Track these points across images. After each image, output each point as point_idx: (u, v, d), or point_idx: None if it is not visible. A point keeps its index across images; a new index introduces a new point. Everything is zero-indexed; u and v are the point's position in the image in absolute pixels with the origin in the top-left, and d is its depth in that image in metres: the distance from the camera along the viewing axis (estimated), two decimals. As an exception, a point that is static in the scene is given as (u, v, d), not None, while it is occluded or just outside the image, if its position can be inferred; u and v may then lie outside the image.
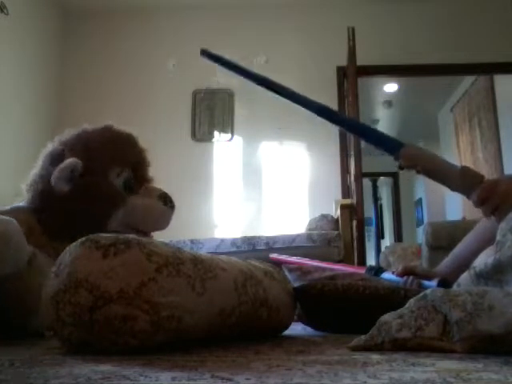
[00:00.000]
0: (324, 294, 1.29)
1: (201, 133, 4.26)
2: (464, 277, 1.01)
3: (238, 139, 4.24)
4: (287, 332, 1.22)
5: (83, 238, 0.85)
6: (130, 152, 1.43)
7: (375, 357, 0.75)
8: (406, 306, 0.88)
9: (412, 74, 4.61)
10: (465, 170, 1.07)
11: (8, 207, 1.30)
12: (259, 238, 3.08)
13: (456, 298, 0.83)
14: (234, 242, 3.06)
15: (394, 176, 7.97)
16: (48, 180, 1.25)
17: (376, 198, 7.97)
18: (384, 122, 6.76)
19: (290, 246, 2.97)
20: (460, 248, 1.35)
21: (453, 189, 1.10)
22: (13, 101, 3.67)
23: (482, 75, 4.81)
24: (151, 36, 4.39)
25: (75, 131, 1.37)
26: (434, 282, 1.22)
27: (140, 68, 4.30)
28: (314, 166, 4.12)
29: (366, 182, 7.35)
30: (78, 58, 4.39)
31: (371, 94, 5.86)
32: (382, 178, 8.18)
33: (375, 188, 8.07)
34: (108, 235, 0.85)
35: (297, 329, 1.42)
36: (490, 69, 4.32)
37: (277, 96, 1.34)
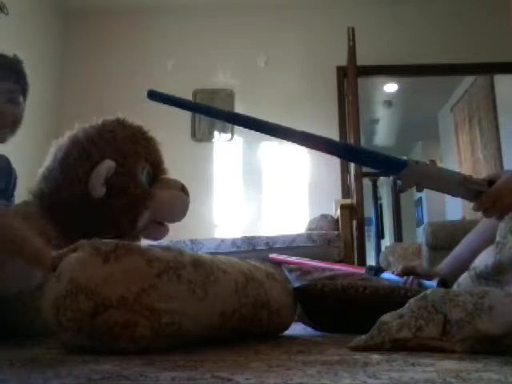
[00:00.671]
0: (324, 294, 1.29)
1: (201, 133, 4.26)
2: (464, 277, 1.01)
3: (238, 139, 4.24)
4: (287, 332, 1.22)
5: (84, 243, 0.84)
6: (148, 145, 1.39)
7: (375, 357, 0.75)
8: (406, 305, 0.88)
9: (412, 74, 4.61)
10: (467, 179, 1.07)
11: (21, 209, 1.23)
12: (259, 238, 3.08)
13: (456, 298, 0.83)
14: (234, 241, 3.06)
15: (394, 180, 7.95)
16: (79, 183, 1.18)
17: (376, 198, 7.96)
18: (384, 122, 6.75)
19: (290, 245, 2.97)
20: (460, 248, 1.35)
21: (456, 197, 1.09)
22: (13, 101, 3.67)
23: (482, 75, 4.81)
24: (151, 36, 4.39)
25: (91, 127, 1.29)
26: (434, 282, 1.22)
27: (140, 68, 4.30)
28: (314, 166, 4.12)
29: (366, 182, 7.34)
30: (77, 58, 4.39)
31: (371, 94, 5.85)
32: (381, 178, 8.17)
33: (375, 188, 8.06)
34: (109, 241, 0.84)
35: (297, 329, 1.42)
36: (489, 69, 4.32)
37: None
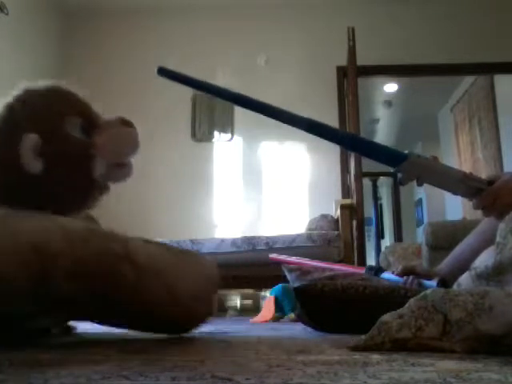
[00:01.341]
0: (324, 294, 1.29)
1: (201, 133, 4.26)
2: (464, 277, 1.01)
3: (237, 139, 4.24)
4: (287, 332, 1.22)
5: None
6: (70, 100, 1.33)
7: (375, 357, 0.75)
8: (406, 305, 0.88)
9: (412, 74, 4.61)
10: (467, 176, 1.07)
11: None
12: (259, 238, 3.08)
13: (456, 298, 0.83)
14: (234, 241, 3.07)
15: (394, 176, 7.97)
16: (13, 165, 1.12)
17: (376, 198, 7.97)
18: (384, 122, 6.76)
19: (290, 245, 2.98)
20: (460, 248, 1.35)
21: (456, 194, 1.09)
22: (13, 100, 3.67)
23: (482, 75, 4.81)
24: (151, 36, 4.39)
25: (16, 95, 1.26)
26: (434, 282, 1.22)
27: (140, 68, 4.29)
28: (314, 166, 4.13)
29: (366, 182, 7.34)
30: (77, 58, 4.39)
31: (371, 94, 5.85)
32: (381, 177, 8.17)
33: (375, 188, 8.06)
34: None
35: (297, 329, 1.42)
36: (490, 69, 4.32)
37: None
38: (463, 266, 1.12)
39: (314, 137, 1.15)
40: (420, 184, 1.07)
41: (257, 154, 4.21)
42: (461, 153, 5.62)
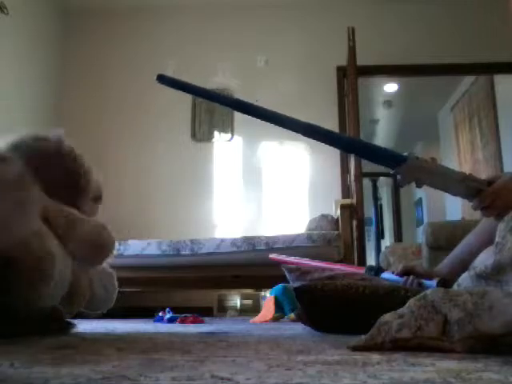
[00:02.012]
0: (324, 294, 1.29)
1: (201, 133, 4.26)
2: (464, 277, 1.01)
3: (237, 139, 4.24)
4: (287, 332, 1.22)
5: None
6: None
7: (375, 357, 0.75)
8: (406, 305, 0.88)
9: (412, 74, 4.60)
10: (467, 177, 1.07)
11: None
12: (259, 238, 3.08)
13: (456, 297, 0.83)
14: (234, 241, 3.06)
15: (394, 176, 7.95)
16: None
17: (376, 198, 7.96)
18: (384, 121, 6.75)
19: (290, 245, 2.98)
20: (460, 248, 1.35)
21: (455, 195, 1.09)
22: (13, 100, 3.67)
23: (482, 75, 4.81)
24: (151, 35, 4.39)
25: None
26: (434, 282, 1.22)
27: (140, 68, 4.30)
28: (314, 166, 4.12)
29: (366, 182, 7.33)
30: (78, 58, 4.39)
31: (371, 94, 5.85)
32: (381, 177, 8.17)
33: (375, 188, 8.05)
34: None
35: (297, 329, 1.42)
36: (490, 69, 4.32)
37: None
38: (463, 265, 1.12)
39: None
40: (419, 186, 1.07)
41: (257, 154, 4.21)
42: (461, 153, 5.61)
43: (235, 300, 3.93)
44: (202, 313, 3.07)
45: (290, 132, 1.22)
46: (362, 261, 3.15)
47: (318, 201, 4.02)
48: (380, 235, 7.83)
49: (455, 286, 1.04)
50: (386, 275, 1.37)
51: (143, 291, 3.64)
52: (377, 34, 4.22)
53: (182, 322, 2.40)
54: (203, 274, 3.08)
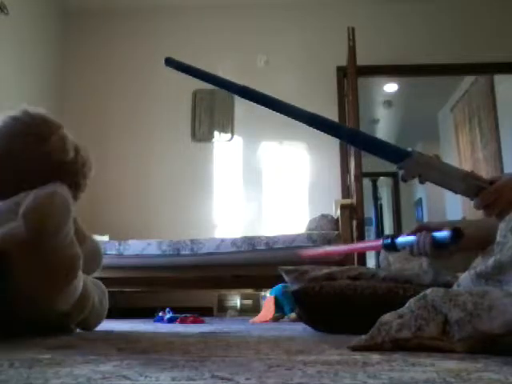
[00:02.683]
0: (323, 295, 1.29)
1: (201, 133, 4.26)
2: (464, 277, 1.01)
3: (237, 139, 4.24)
4: (287, 332, 1.22)
5: None
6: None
7: (375, 357, 0.75)
8: (407, 305, 0.88)
9: (412, 74, 4.60)
10: (469, 175, 1.07)
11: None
12: (259, 238, 3.08)
13: (456, 297, 0.83)
14: (234, 241, 3.06)
15: (394, 176, 7.96)
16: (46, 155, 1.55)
17: (376, 198, 7.96)
18: (384, 121, 6.75)
19: (290, 245, 2.97)
20: (484, 220, 1.29)
21: (457, 193, 1.08)
22: (13, 100, 3.67)
23: (482, 75, 4.81)
24: (151, 35, 4.39)
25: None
26: (446, 232, 1.15)
27: (140, 68, 4.30)
28: (314, 166, 4.12)
29: (366, 182, 7.34)
30: (77, 58, 4.39)
31: (371, 94, 5.85)
32: (381, 177, 8.17)
33: (375, 188, 8.06)
34: None
35: (297, 329, 1.42)
36: (490, 69, 4.32)
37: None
38: (479, 231, 1.11)
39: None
40: (422, 181, 1.07)
41: (257, 154, 4.21)
42: (461, 153, 5.61)
43: (235, 300, 3.93)
44: (202, 313, 3.07)
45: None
46: (362, 261, 3.15)
47: (317, 201, 4.02)
48: (380, 235, 7.82)
49: (455, 286, 1.04)
50: (400, 239, 1.31)
51: (143, 291, 3.64)
52: (377, 34, 4.22)
53: (182, 321, 2.40)
54: (203, 274, 3.08)
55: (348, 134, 1.30)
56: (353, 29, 3.46)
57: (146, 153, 4.18)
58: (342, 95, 4.13)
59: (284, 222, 3.98)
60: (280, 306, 2.72)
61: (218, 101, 4.28)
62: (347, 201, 3.36)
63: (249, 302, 3.91)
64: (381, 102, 6.13)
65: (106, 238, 3.44)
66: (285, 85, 4.18)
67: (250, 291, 3.90)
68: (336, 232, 3.09)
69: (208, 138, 4.26)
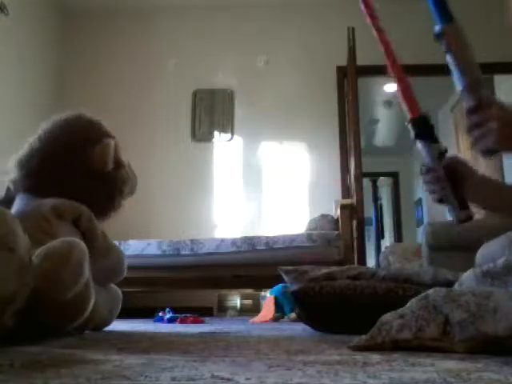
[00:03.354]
0: (322, 295, 1.29)
1: (201, 133, 4.26)
2: (467, 275, 1.01)
3: (238, 139, 4.24)
4: (287, 332, 1.22)
5: None
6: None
7: (375, 357, 0.75)
8: (408, 305, 0.88)
9: (412, 74, 4.59)
10: (483, 82, 0.99)
11: None
12: (259, 238, 3.08)
13: (459, 298, 0.83)
14: (234, 241, 3.06)
15: (394, 176, 7.95)
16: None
17: (376, 198, 7.95)
18: (384, 121, 6.75)
19: (290, 245, 2.97)
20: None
21: (464, 95, 0.97)
22: (13, 100, 3.67)
23: (482, 75, 4.80)
24: (151, 36, 4.39)
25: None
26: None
27: (140, 68, 4.30)
28: (314, 166, 4.12)
29: (366, 182, 7.32)
30: (78, 58, 4.39)
31: (371, 94, 5.85)
32: (381, 177, 8.16)
33: (375, 188, 8.05)
34: None
35: (297, 329, 1.42)
36: (490, 69, 4.32)
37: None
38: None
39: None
40: (447, 50, 0.98)
41: (257, 154, 4.21)
42: (461, 153, 5.61)
43: (235, 300, 3.93)
44: (201, 313, 3.07)
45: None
46: (362, 261, 3.15)
47: (317, 201, 4.02)
48: (380, 235, 7.82)
49: (457, 286, 1.04)
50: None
51: (143, 291, 3.64)
52: (377, 33, 4.21)
53: (182, 321, 2.40)
54: (203, 274, 3.08)
55: None
56: (353, 29, 3.46)
57: (146, 153, 4.17)
58: (342, 95, 4.13)
59: (284, 221, 3.98)
60: (280, 306, 2.72)
61: (217, 101, 4.28)
62: (347, 201, 3.36)
63: (249, 302, 3.91)
64: (381, 101, 6.13)
65: (105, 238, 3.43)
66: (285, 85, 4.18)
67: (250, 291, 3.90)
68: (336, 232, 3.09)
69: (208, 138, 4.26)
